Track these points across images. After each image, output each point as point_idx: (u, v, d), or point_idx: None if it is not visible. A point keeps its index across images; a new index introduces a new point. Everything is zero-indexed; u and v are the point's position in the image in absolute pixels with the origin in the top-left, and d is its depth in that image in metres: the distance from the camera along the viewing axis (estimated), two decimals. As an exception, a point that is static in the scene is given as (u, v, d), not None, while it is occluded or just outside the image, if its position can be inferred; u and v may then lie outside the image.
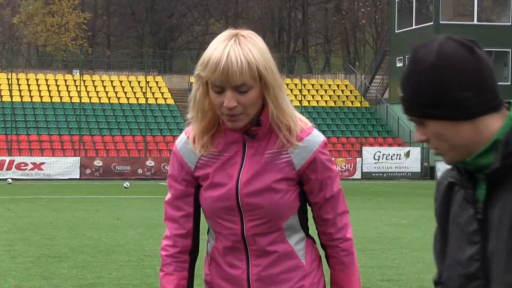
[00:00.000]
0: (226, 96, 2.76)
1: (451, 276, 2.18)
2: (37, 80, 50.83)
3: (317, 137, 2.94)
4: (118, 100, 50.32)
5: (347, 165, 44.11)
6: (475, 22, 46.37)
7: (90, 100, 49.72)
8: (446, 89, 2.05)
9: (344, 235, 2.99)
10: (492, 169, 2.06)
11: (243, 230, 2.89)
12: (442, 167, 45.96)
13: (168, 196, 3.04)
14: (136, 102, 50.34)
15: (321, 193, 2.96)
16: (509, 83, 46.72)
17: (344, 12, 67.00)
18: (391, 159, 45.24)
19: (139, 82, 52.18)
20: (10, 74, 49.39)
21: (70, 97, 49.52)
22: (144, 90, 50.43)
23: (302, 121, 2.94)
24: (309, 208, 3.00)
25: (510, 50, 46.47)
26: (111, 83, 51.87)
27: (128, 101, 50.44)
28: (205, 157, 2.93)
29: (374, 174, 44.38)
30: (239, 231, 2.89)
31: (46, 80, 51.00)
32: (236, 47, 2.76)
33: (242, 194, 2.87)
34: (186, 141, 2.95)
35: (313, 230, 3.03)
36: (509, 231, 2.03)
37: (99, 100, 49.95)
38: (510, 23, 46.66)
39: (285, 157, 2.89)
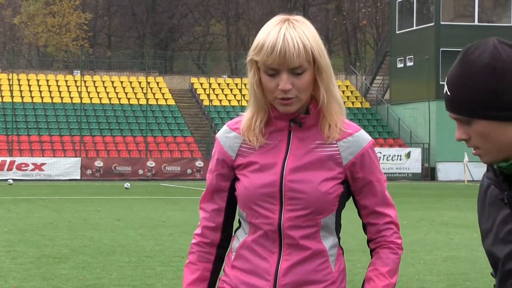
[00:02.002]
0: (282, 78, 2.75)
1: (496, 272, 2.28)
2: (38, 80, 50.84)
3: (367, 135, 2.93)
4: (119, 101, 50.34)
5: (347, 165, 44.09)
6: (476, 23, 46.36)
7: (91, 100, 49.73)
8: (500, 91, 2.09)
9: (395, 237, 2.94)
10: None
11: (280, 220, 2.81)
12: (443, 168, 45.93)
13: (205, 188, 3.01)
14: (137, 102, 50.35)
15: (372, 196, 2.91)
16: (510, 84, 46.73)
17: (344, 13, 67.00)
18: (392, 160, 45.24)
19: (140, 82, 52.18)
20: (11, 74, 49.41)
21: (71, 98, 49.54)
22: (145, 91, 50.45)
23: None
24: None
25: (511, 51, 46.48)
26: (112, 84, 51.87)
27: (128, 101, 50.45)
28: (247, 144, 2.88)
29: (374, 175, 44.34)
30: (276, 221, 2.81)
31: (47, 80, 51.02)
32: (292, 30, 2.76)
33: (286, 181, 2.80)
34: (226, 130, 2.92)
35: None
36: None
37: (100, 101, 49.96)
38: (511, 24, 46.65)
39: (333, 150, 2.84)
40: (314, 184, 2.80)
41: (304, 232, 2.82)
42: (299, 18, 2.84)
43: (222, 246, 3.00)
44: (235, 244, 2.93)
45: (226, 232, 2.99)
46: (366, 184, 2.91)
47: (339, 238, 2.95)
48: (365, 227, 3.00)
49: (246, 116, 2.90)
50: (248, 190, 2.83)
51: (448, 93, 2.18)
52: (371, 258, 2.96)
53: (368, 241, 3.00)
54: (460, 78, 2.15)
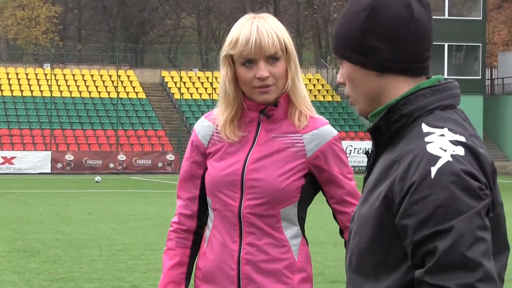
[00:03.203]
0: (259, 67, 2.87)
1: None
2: (7, 74, 50.46)
3: (333, 129, 3.03)
4: (89, 94, 50.10)
5: (319, 159, 44.24)
6: (446, 16, 46.63)
7: (61, 94, 49.46)
8: (366, 32, 1.97)
9: None
10: (370, 130, 2.03)
11: (240, 208, 2.91)
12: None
13: (180, 175, 3.12)
14: (107, 96, 50.15)
15: (339, 188, 2.99)
16: (480, 77, 47.04)
17: (315, 6, 67.09)
18: (362, 153, 45.43)
19: (110, 76, 51.97)
20: (-20, 67, 49.00)
21: (41, 91, 49.24)
22: (115, 84, 50.25)
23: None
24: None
25: (480, 44, 46.78)
26: (82, 77, 51.62)
27: (99, 95, 50.23)
28: (219, 133, 3.00)
29: (345, 168, 44.53)
30: (237, 209, 2.91)
31: (17, 74, 50.65)
32: (263, 22, 2.91)
33: (247, 171, 2.90)
34: (202, 119, 3.06)
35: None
36: (366, 194, 2.01)
37: (70, 94, 49.70)
38: (480, 18, 46.98)
39: (298, 142, 2.93)
40: (273, 174, 2.88)
41: (264, 221, 2.90)
42: (267, 14, 2.98)
43: (198, 232, 3.09)
44: (206, 232, 3.03)
45: (202, 220, 3.08)
46: (331, 177, 2.98)
47: (302, 229, 3.00)
48: (335, 216, 3.06)
49: (218, 113, 3.00)
50: (212, 177, 2.94)
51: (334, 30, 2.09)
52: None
53: (340, 231, 3.06)
54: (342, 16, 2.05)
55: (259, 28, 2.88)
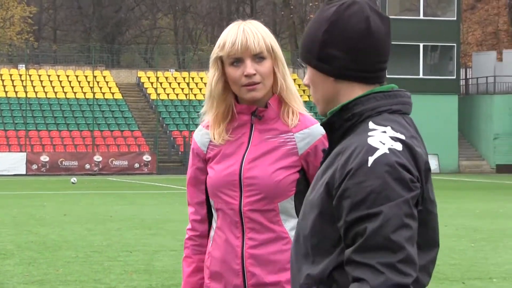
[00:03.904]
0: (246, 65, 3.05)
1: None
2: (-18, 74, 50.15)
3: (321, 128, 3.14)
4: (65, 95, 49.88)
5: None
6: (421, 17, 46.84)
7: (36, 95, 49.22)
8: (326, 42, 2.18)
9: None
10: (323, 124, 2.24)
11: (240, 205, 3.08)
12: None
13: (186, 183, 3.31)
14: (83, 97, 49.95)
15: None
16: (454, 77, 47.28)
17: (292, 7, 67.18)
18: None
19: (86, 76, 51.77)
20: (-46, 68, 48.67)
21: (16, 92, 48.97)
22: (91, 85, 50.06)
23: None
24: None
25: (455, 44, 47.02)
26: (58, 78, 51.39)
27: (75, 95, 50.03)
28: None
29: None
30: (237, 206, 3.08)
31: (-9, 74, 50.34)
32: (249, 25, 3.10)
33: (244, 171, 3.08)
34: (199, 128, 3.24)
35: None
36: (314, 182, 2.21)
37: (46, 95, 49.47)
38: (455, 18, 47.23)
39: (290, 141, 3.10)
40: (268, 171, 3.07)
41: (264, 216, 3.08)
42: (254, 21, 3.16)
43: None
44: (211, 233, 3.21)
45: (211, 222, 3.25)
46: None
47: None
48: None
49: (210, 118, 3.19)
50: (213, 179, 3.13)
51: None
52: None
53: None
54: (310, 24, 2.25)
55: (245, 30, 3.07)
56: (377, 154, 2.06)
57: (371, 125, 2.13)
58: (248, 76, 3.05)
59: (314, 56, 2.20)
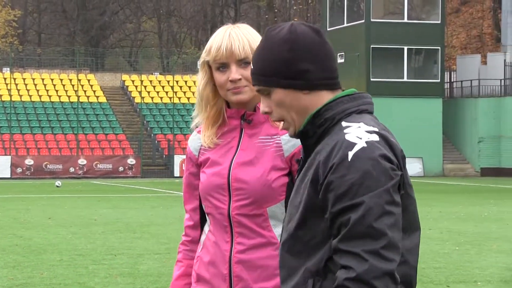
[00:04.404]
0: (231, 70, 3.08)
1: None
2: (-35, 78, 49.95)
3: None
4: (50, 98, 49.75)
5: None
6: (405, 20, 46.98)
7: (20, 98, 49.06)
8: (294, 59, 2.31)
9: None
10: (297, 136, 2.37)
11: (229, 210, 3.08)
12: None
13: (183, 188, 3.33)
14: (67, 100, 49.83)
15: None
16: (439, 80, 47.43)
17: (276, 10, 67.25)
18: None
19: (70, 80, 51.65)
20: None
21: (0, 95, 48.80)
22: (75, 88, 49.93)
23: None
24: None
25: (439, 48, 47.17)
26: (42, 81, 51.25)
27: (59, 99, 49.90)
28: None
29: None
30: (226, 210, 3.08)
31: (-25, 78, 50.15)
32: (236, 30, 3.12)
33: (233, 174, 3.09)
34: (193, 133, 3.28)
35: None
36: (297, 184, 2.35)
37: (30, 98, 49.32)
38: (439, 21, 47.38)
39: (276, 143, 3.11)
40: (256, 175, 3.07)
41: (252, 220, 3.07)
42: (243, 24, 3.20)
43: None
44: (202, 237, 3.22)
45: (204, 228, 3.27)
46: None
47: None
48: None
49: (200, 121, 3.23)
50: (203, 184, 3.15)
51: (252, 67, 2.39)
52: None
53: None
54: (261, 51, 2.36)
55: (231, 35, 3.09)
56: (356, 149, 2.22)
57: (344, 124, 2.30)
58: (233, 81, 3.08)
59: (283, 76, 2.32)
